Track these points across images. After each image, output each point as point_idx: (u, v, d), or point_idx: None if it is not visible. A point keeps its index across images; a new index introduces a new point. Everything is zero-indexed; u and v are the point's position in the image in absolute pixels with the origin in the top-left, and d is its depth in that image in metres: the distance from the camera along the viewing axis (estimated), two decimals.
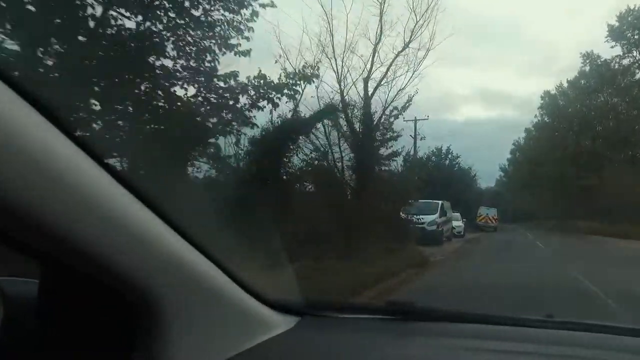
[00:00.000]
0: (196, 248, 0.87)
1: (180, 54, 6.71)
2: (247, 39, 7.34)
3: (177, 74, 6.70)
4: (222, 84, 7.23)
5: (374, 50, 13.52)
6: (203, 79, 7.04)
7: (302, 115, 10.57)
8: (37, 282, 0.83)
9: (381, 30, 13.64)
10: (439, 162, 38.95)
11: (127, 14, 6.02)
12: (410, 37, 14.01)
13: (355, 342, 1.21)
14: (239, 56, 7.23)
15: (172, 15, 6.42)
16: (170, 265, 0.79)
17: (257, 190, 8.07)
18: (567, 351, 1.18)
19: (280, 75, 8.97)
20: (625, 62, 42.07)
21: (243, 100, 7.66)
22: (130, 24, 6.14)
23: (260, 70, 8.15)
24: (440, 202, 22.34)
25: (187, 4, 6.51)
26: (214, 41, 6.97)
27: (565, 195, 48.02)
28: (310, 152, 12.00)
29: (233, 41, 7.20)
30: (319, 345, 1.19)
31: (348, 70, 13.18)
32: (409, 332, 1.30)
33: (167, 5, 6.35)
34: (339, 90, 12.81)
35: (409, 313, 1.36)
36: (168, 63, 6.53)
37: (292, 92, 8.99)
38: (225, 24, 7.06)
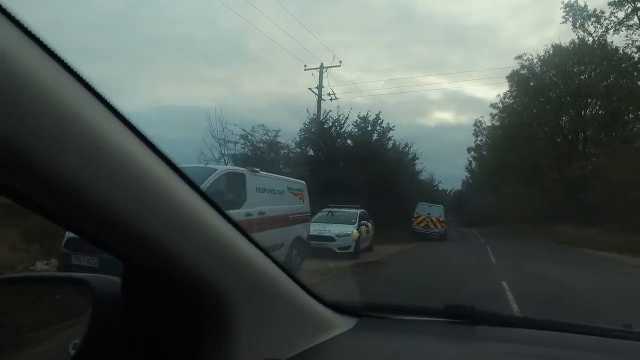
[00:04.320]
0: (261, 251, 0.94)
1: None
2: None
3: None
4: None
5: None
6: None
7: None
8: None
9: None
10: (362, 135, 25.30)
11: None
12: None
13: (416, 345, 1.24)
14: None
15: None
16: (240, 267, 0.87)
17: None
18: None
19: None
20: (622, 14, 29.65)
21: None
22: None
23: None
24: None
25: None
26: None
27: (541, 192, 35.61)
28: None
29: None
30: (379, 346, 1.21)
31: None
32: (469, 336, 1.30)
33: None
34: None
35: (470, 317, 1.34)
36: None
37: None
38: None
